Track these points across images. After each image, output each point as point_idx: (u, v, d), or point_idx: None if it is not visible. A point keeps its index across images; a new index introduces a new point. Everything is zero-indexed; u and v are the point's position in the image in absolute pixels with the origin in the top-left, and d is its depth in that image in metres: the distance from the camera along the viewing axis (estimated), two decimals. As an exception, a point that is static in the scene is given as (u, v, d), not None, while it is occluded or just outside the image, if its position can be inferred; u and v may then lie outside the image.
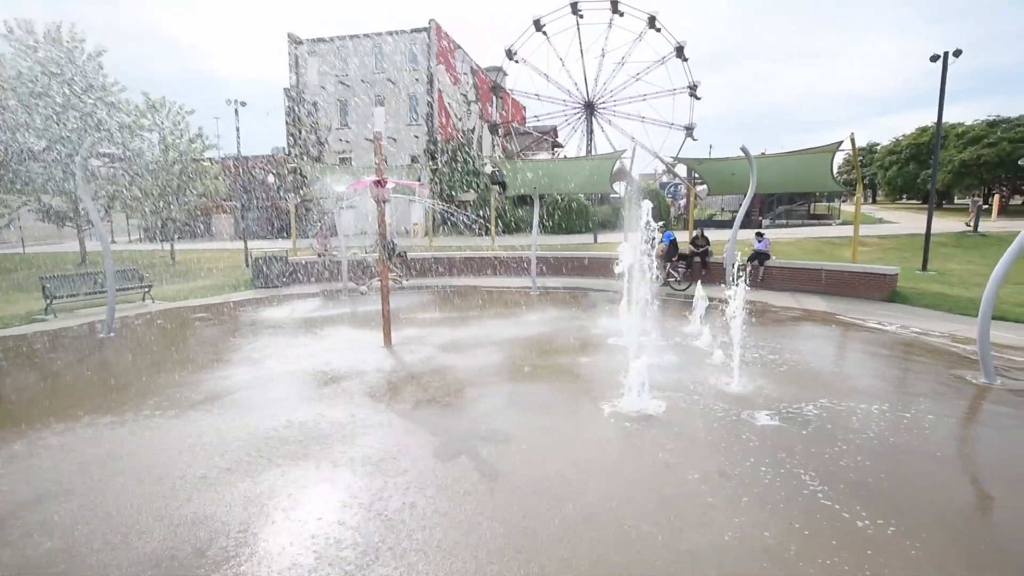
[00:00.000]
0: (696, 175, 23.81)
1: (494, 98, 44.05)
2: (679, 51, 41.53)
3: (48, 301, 11.78)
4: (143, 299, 13.39)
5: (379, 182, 7.79)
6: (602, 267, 16.11)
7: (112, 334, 9.94)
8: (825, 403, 5.91)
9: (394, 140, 36.14)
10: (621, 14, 42.02)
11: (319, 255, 17.25)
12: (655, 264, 7.93)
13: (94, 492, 4.32)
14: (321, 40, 37.38)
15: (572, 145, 51.81)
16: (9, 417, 6.01)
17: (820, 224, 30.39)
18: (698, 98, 43.12)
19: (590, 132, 47.45)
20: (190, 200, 25.62)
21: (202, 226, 40.78)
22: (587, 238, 27.15)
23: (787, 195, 32.43)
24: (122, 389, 6.97)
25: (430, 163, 34.99)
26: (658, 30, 41.44)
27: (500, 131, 44.72)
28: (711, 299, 9.85)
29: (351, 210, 16.52)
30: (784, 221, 32.64)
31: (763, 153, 16.47)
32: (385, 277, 8.44)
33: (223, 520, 3.87)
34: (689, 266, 14.71)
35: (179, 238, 29.32)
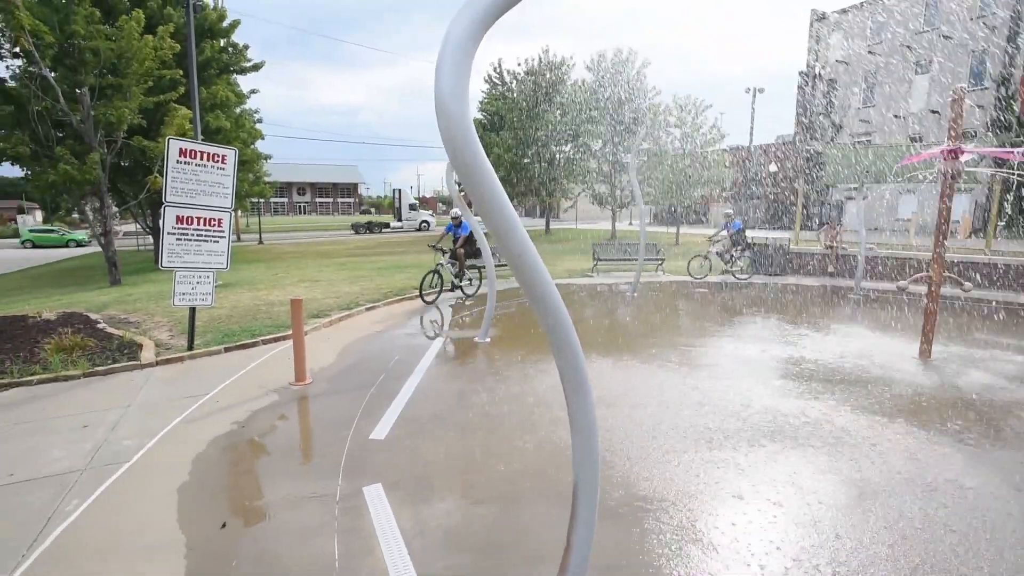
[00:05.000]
0: None
1: None
2: None
3: (595, 262, 15.31)
4: (656, 270, 15.58)
5: (952, 151, 6.12)
6: None
7: (636, 294, 11.96)
8: None
9: (938, 114, 28.91)
10: None
11: (827, 247, 15.70)
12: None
13: (631, 409, 5.17)
14: (850, 9, 33.26)
15: None
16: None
17: None
18: None
19: None
20: (699, 189, 27.93)
21: (700, 213, 44.26)
22: None
23: None
24: (641, 338, 8.25)
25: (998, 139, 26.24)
26: None
27: None
28: None
29: (859, 200, 13.95)
30: None
31: None
32: (938, 277, 6.70)
33: (702, 481, 3.90)
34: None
35: (681, 223, 32.76)
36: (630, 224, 46.62)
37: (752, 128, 24.99)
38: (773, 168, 34.85)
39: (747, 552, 3.11)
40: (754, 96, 24.09)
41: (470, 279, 11.58)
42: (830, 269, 15.22)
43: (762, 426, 4.84)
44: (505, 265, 13.54)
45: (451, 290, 11.45)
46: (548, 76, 31.22)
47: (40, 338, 7.24)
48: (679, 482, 3.88)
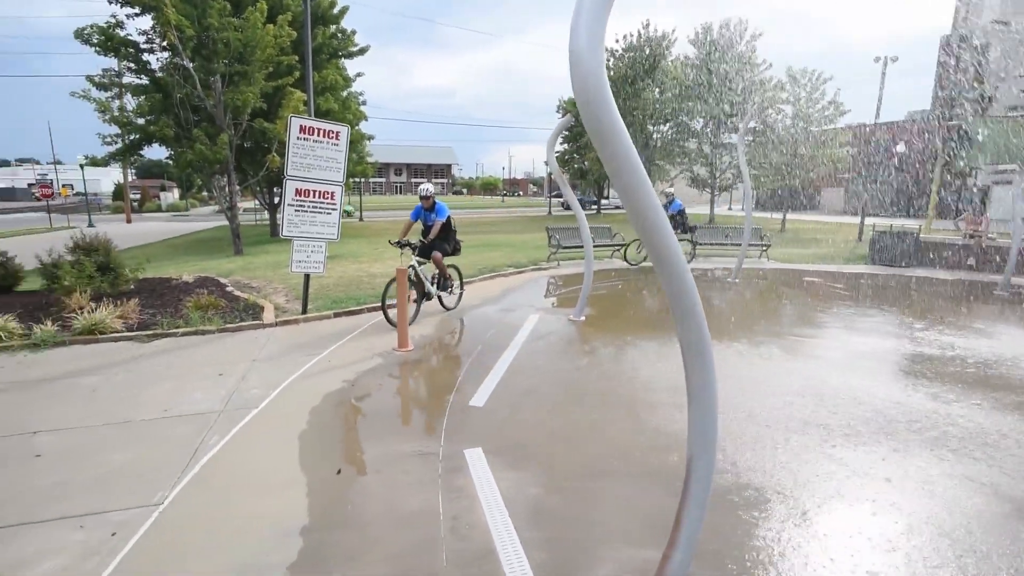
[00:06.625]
0: None
1: None
2: None
3: (694, 246, 14.65)
4: (760, 256, 14.60)
5: None
6: None
7: (737, 280, 11.30)
8: None
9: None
10: None
11: (967, 236, 13.89)
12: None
13: (740, 399, 4.91)
14: (1017, -39, 28.58)
15: None
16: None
17: None
18: None
19: None
20: (812, 170, 25.62)
21: (809, 198, 40.75)
22: None
23: None
24: (739, 324, 7.78)
25: None
26: None
27: None
28: None
29: (1017, 183, 11.96)
30: None
31: None
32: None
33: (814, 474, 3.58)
34: None
35: (787, 208, 30.35)
36: (728, 209, 44.03)
37: (880, 102, 22.29)
38: (901, 148, 31.21)
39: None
40: (884, 65, 21.51)
41: (453, 283, 8.34)
42: (970, 262, 13.45)
43: (912, 427, 4.40)
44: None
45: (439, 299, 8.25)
46: (647, 52, 29.93)
47: (182, 297, 8.18)
48: (814, 485, 3.63)
